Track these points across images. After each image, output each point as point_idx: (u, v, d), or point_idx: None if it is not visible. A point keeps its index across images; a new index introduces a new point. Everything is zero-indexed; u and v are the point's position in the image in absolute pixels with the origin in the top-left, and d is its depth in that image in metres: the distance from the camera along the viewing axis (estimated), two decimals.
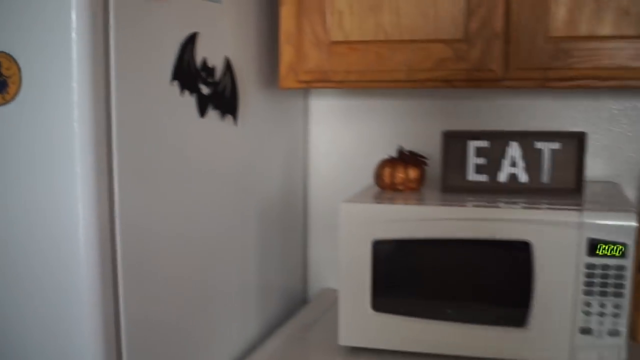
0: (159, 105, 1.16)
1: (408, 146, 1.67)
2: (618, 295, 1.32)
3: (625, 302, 1.32)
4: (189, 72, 1.24)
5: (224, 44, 1.38)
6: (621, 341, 1.34)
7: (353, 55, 1.44)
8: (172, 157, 1.21)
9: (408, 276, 1.43)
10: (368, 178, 1.70)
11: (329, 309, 1.74)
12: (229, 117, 1.41)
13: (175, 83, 1.20)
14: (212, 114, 1.34)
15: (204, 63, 1.29)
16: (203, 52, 1.29)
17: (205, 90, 1.30)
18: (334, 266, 1.87)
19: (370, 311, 1.44)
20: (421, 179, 1.55)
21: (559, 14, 1.33)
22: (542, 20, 1.34)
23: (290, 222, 1.79)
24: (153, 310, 1.17)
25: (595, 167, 1.67)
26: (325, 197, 1.87)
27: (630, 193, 1.65)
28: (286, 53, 1.49)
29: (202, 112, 1.30)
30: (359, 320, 1.44)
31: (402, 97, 1.76)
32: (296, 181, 1.82)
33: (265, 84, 1.58)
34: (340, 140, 1.84)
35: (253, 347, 1.54)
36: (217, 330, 1.41)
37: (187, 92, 1.24)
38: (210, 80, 1.32)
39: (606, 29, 1.31)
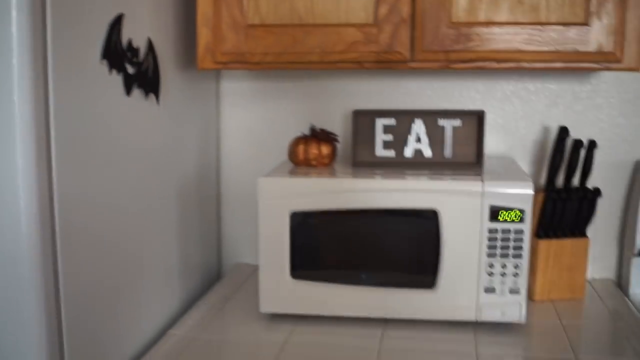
0: (91, 82, 1.21)
1: (320, 125, 1.76)
2: (517, 256, 1.46)
3: (524, 262, 1.47)
4: (116, 51, 1.29)
5: (146, 26, 1.43)
6: (521, 298, 1.48)
7: (269, 38, 1.51)
8: (102, 134, 1.25)
9: (324, 245, 1.53)
10: (280, 157, 1.78)
11: (244, 282, 1.81)
12: (152, 97, 1.46)
13: (105, 62, 1.25)
14: (137, 93, 1.39)
15: (129, 43, 1.34)
16: (128, 33, 1.33)
17: (130, 69, 1.35)
18: (247, 242, 1.96)
19: (289, 279, 1.53)
20: (333, 155, 1.65)
21: (460, 2, 1.45)
22: (445, 7, 1.45)
23: (205, 201, 1.86)
24: (88, 272, 1.22)
25: (491, 143, 1.81)
26: (238, 176, 1.94)
27: (524, 166, 1.81)
28: (203, 35, 1.55)
29: (128, 90, 1.35)
30: (279, 288, 1.53)
31: (312, 78, 1.86)
32: (210, 161, 1.89)
33: (184, 65, 1.64)
34: (252, 121, 1.91)
35: (175, 320, 1.60)
36: (142, 304, 1.47)
37: (114, 71, 1.28)
38: (135, 60, 1.37)
39: (502, 16, 1.45)
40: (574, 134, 1.73)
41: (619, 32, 1.43)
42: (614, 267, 1.85)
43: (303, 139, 1.64)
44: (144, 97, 1.42)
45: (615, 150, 1.80)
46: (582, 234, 1.69)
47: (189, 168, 1.72)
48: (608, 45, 1.43)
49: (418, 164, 1.62)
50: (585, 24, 1.43)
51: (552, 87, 1.79)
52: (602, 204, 1.76)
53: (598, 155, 1.73)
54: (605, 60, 1.45)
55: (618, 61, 1.45)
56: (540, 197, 1.65)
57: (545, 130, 1.80)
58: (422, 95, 1.83)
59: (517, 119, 1.82)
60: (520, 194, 1.45)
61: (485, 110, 1.76)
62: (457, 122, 1.62)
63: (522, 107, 1.81)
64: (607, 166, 1.80)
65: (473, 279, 1.48)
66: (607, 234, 1.84)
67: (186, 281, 1.72)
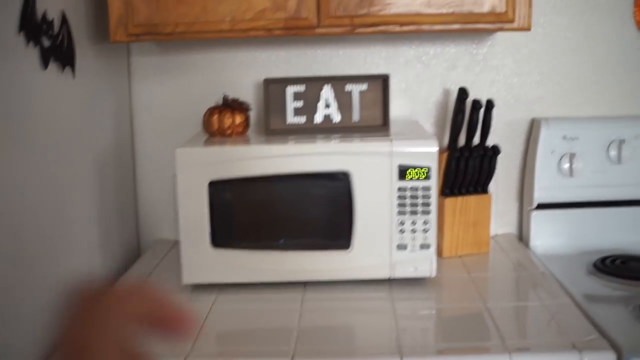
0: (6, 56, 1.24)
1: (232, 95, 1.82)
2: (426, 212, 1.59)
3: (433, 218, 1.60)
4: (32, 23, 1.32)
5: None
6: (431, 253, 1.61)
7: (181, 8, 1.57)
8: (18, 109, 1.29)
9: (243, 212, 1.62)
10: (194, 130, 1.85)
11: (164, 257, 1.87)
12: (68, 71, 1.50)
13: (22, 34, 1.28)
14: (53, 67, 1.42)
15: (44, 16, 1.38)
16: (43, 6, 1.37)
17: (46, 42, 1.39)
18: (165, 218, 2.01)
19: (210, 248, 1.60)
20: (246, 124, 1.73)
21: None
22: None
23: (121, 178, 1.91)
24: (2, 252, 1.25)
25: (396, 107, 1.93)
26: (153, 152, 1.99)
27: (427, 128, 1.94)
28: (115, 7, 1.59)
29: (45, 63, 1.38)
30: (200, 258, 1.60)
31: (223, 49, 1.93)
32: (125, 137, 1.93)
33: (98, 39, 1.68)
34: (165, 95, 1.96)
35: None
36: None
37: (31, 44, 1.32)
38: (50, 32, 1.40)
39: None
40: (473, 95, 1.87)
41: None
42: (516, 221, 2.02)
43: (217, 109, 1.71)
44: (60, 71, 1.46)
45: (512, 109, 1.96)
46: (484, 190, 1.84)
47: (105, 144, 1.77)
48: (500, 7, 1.58)
49: (328, 129, 1.72)
50: None
51: (451, 51, 1.93)
52: (502, 162, 1.92)
53: (496, 115, 1.88)
54: (498, 20, 1.59)
55: (510, 21, 1.59)
56: (444, 156, 1.79)
57: (446, 92, 1.94)
58: (329, 62, 1.94)
59: (420, 82, 1.95)
60: (426, 152, 1.57)
61: (392, 76, 1.88)
62: (363, 87, 1.73)
63: (424, 71, 1.94)
64: (505, 125, 1.96)
65: (385, 238, 1.60)
66: (508, 190, 2.00)
67: (106, 259, 1.77)
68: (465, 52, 1.94)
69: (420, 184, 1.58)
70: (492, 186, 1.88)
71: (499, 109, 1.91)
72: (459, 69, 1.94)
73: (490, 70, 1.94)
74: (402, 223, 1.60)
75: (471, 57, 1.94)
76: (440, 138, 1.95)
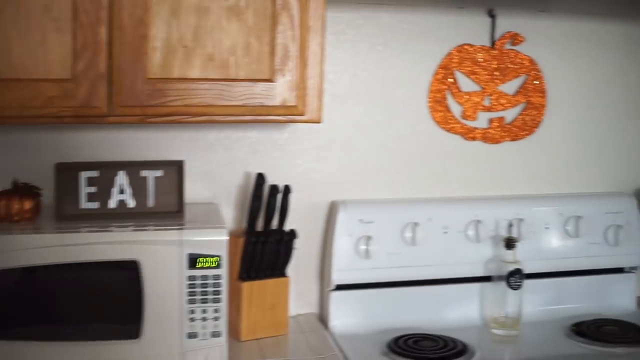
0: None
1: (25, 179, 1.78)
2: (217, 301, 1.62)
3: (223, 306, 1.62)
4: None
5: None
6: (223, 341, 1.63)
7: None
8: None
9: (28, 302, 1.57)
10: None
11: None
12: None
13: None
14: None
15: None
16: None
17: None
18: None
19: None
20: (37, 209, 1.69)
21: (155, 58, 1.58)
22: (140, 64, 1.57)
23: None
24: None
25: (197, 190, 1.95)
26: None
27: (228, 211, 1.98)
28: None
29: None
30: None
31: (14, 132, 1.88)
32: None
33: None
34: None
35: None
36: None
37: None
38: None
39: (195, 72, 1.60)
40: (274, 178, 1.93)
41: (301, 87, 1.65)
42: (317, 301, 2.08)
43: (5, 195, 1.66)
44: None
45: (313, 192, 2.03)
46: (282, 273, 1.89)
47: None
48: (291, 100, 1.64)
49: (122, 215, 1.72)
50: (271, 80, 1.63)
51: (252, 136, 1.98)
52: (303, 243, 1.98)
53: (298, 198, 1.95)
54: (289, 113, 1.66)
55: (301, 114, 1.66)
56: (241, 241, 1.83)
57: (247, 176, 1.98)
58: (127, 145, 1.92)
59: (221, 166, 1.98)
60: (216, 240, 1.60)
61: (191, 158, 1.91)
62: (158, 173, 1.74)
63: (226, 155, 1.98)
64: (306, 207, 2.02)
65: (176, 326, 1.60)
66: (309, 271, 2.06)
67: None
68: (267, 137, 1.99)
69: (211, 272, 1.61)
70: (294, 267, 1.93)
71: (300, 192, 1.98)
72: (261, 153, 1.99)
73: (291, 155, 2.01)
74: (192, 312, 1.61)
75: (272, 142, 2.00)
76: (240, 222, 1.99)
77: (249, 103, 1.63)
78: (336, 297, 1.98)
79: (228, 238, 1.61)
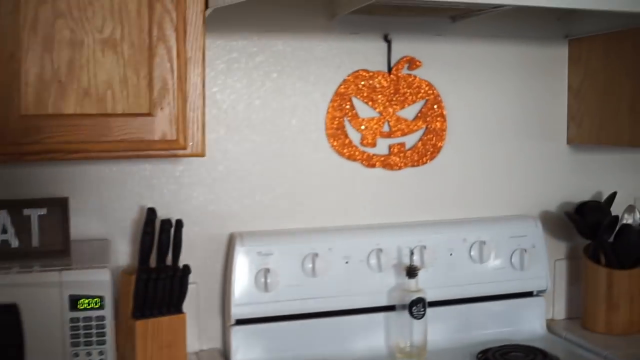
0: None
1: None
2: (101, 343, 1.57)
3: (108, 347, 1.57)
4: None
5: None
6: None
7: None
8: None
9: None
10: None
11: None
12: None
13: None
14: None
15: None
16: None
17: None
18: None
19: None
20: None
21: (29, 94, 1.53)
22: (12, 100, 1.52)
23: None
24: None
25: (91, 226, 1.91)
26: None
27: (123, 248, 1.93)
28: None
29: None
30: None
31: None
32: None
33: None
34: None
35: None
36: None
37: None
38: None
39: (70, 108, 1.55)
40: (171, 212, 1.89)
41: (182, 121, 1.61)
42: (219, 337, 2.03)
43: None
44: None
45: (211, 225, 1.99)
46: (178, 310, 1.84)
47: None
48: (171, 134, 1.61)
49: (5, 256, 1.66)
50: (150, 114, 1.59)
51: (147, 168, 1.94)
52: (203, 277, 1.95)
53: (196, 231, 1.92)
54: (170, 147, 1.62)
55: (183, 148, 1.63)
56: (134, 278, 1.78)
57: (142, 210, 1.93)
58: (10, 183, 1.84)
59: (114, 200, 1.93)
60: (98, 280, 1.56)
61: (82, 193, 1.86)
62: (42, 211, 1.69)
63: (119, 189, 1.93)
64: (204, 241, 1.99)
65: None
66: (211, 306, 2.02)
67: None
68: (162, 170, 1.95)
69: (94, 313, 1.56)
70: (194, 302, 1.89)
71: (198, 226, 1.95)
72: (156, 186, 1.95)
73: (187, 187, 1.98)
74: (76, 355, 1.56)
75: (167, 174, 1.96)
76: (135, 258, 1.94)
77: (128, 138, 1.59)
78: (237, 332, 1.94)
79: (109, 278, 1.56)
